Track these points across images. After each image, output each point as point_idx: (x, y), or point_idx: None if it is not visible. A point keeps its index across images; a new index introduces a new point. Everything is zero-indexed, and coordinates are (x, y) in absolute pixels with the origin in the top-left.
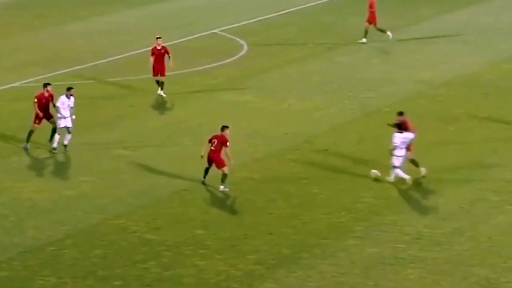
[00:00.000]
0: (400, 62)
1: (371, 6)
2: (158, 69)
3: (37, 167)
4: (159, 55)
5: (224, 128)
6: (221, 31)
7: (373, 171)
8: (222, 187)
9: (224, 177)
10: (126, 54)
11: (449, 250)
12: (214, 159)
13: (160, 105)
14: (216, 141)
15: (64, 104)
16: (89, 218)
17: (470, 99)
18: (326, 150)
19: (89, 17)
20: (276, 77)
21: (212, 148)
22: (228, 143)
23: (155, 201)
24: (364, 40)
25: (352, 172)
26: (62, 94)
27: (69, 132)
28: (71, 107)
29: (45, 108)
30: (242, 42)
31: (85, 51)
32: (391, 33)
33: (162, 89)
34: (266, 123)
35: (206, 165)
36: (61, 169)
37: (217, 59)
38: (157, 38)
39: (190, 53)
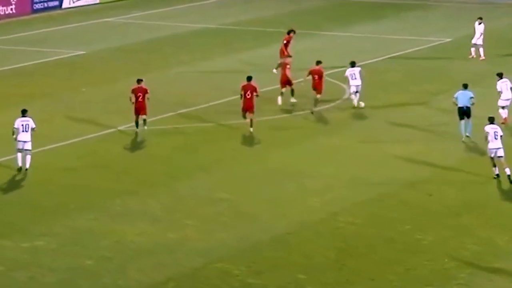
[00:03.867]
0: None
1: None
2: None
3: (141, 210)
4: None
5: (139, 81)
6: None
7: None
8: (145, 127)
9: (144, 122)
10: (228, 99)
11: None
12: (141, 108)
13: (262, 149)
14: (140, 94)
15: None
16: (191, 261)
17: None
18: (430, 195)
19: (191, 62)
20: (378, 121)
21: (140, 100)
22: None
23: (257, 245)
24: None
25: (455, 218)
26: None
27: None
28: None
29: None
30: (345, 86)
31: (187, 94)
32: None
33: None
34: (367, 167)
35: (134, 117)
36: (166, 212)
37: (319, 103)
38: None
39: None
